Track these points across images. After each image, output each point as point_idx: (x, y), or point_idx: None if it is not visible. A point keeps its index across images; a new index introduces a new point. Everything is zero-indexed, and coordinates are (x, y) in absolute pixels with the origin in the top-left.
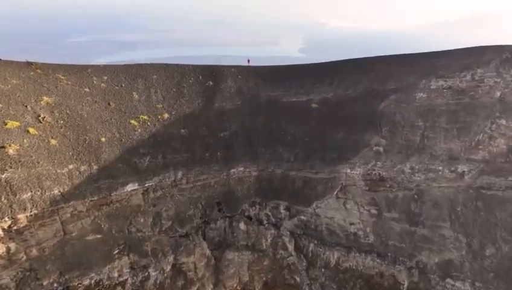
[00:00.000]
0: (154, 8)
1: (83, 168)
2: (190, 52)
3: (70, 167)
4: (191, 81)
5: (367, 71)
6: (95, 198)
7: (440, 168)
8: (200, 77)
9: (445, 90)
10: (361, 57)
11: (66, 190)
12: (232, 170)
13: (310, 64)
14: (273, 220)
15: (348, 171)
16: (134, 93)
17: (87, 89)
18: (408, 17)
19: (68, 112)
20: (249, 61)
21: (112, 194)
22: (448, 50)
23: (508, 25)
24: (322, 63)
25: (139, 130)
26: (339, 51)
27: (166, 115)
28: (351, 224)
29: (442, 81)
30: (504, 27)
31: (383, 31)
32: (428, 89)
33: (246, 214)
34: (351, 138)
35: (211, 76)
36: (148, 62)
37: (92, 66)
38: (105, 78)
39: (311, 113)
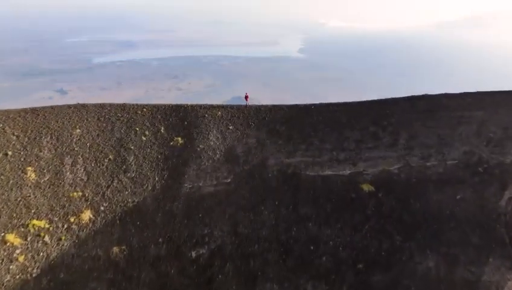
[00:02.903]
0: (154, 8)
1: None
2: (190, 52)
3: None
4: (144, 138)
5: (460, 117)
6: None
7: None
8: (162, 129)
9: None
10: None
11: None
12: None
13: (350, 102)
14: None
15: None
16: (29, 169)
17: None
18: (408, 17)
19: None
20: (247, 97)
21: None
22: None
23: (508, 25)
24: (372, 101)
25: (21, 261)
26: (339, 51)
27: (87, 216)
28: None
29: None
30: (504, 27)
31: (383, 31)
32: None
33: None
34: (454, 271)
35: (181, 126)
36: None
37: None
38: None
39: (361, 205)
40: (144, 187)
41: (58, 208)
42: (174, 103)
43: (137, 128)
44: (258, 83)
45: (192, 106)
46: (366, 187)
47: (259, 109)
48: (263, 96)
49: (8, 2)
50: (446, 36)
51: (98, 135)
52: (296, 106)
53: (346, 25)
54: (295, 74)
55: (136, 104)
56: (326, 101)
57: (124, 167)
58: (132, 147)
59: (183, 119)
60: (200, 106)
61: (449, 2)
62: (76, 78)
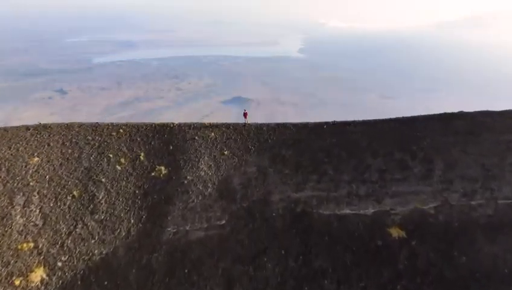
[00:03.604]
0: (154, 8)
1: None
2: (190, 52)
3: None
4: (118, 167)
5: (509, 142)
6: None
7: None
8: (142, 156)
9: None
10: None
11: None
12: None
13: (370, 121)
14: None
15: None
16: None
17: None
18: (408, 17)
19: None
20: (246, 115)
21: None
22: None
23: (508, 25)
24: (396, 119)
25: None
26: (339, 51)
27: (39, 276)
28: None
29: None
30: (504, 27)
31: (383, 31)
32: None
33: None
34: None
35: (165, 151)
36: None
37: None
38: None
39: (390, 256)
40: (116, 233)
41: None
42: (159, 120)
43: (111, 155)
44: (258, 83)
45: (179, 125)
46: (395, 232)
47: (260, 128)
48: (263, 96)
49: (8, 2)
50: (446, 36)
51: (61, 164)
52: (306, 125)
53: (346, 25)
54: (295, 74)
55: (112, 124)
56: (341, 119)
57: (92, 206)
58: (103, 180)
59: (168, 142)
60: (189, 126)
61: (449, 2)
62: (76, 78)
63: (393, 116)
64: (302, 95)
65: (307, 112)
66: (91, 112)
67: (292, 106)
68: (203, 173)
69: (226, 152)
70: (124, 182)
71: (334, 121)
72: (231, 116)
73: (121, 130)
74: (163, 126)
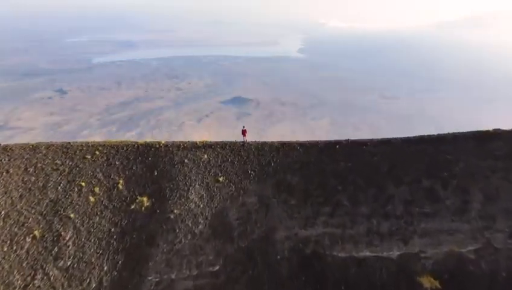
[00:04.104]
0: (154, 8)
1: None
2: (190, 52)
3: None
4: (92, 198)
5: None
6: None
7: None
8: (120, 184)
9: None
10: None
11: None
12: None
13: (391, 140)
14: None
15: None
16: None
17: None
18: (408, 17)
19: None
20: (244, 132)
21: None
22: None
23: (508, 25)
24: (421, 137)
25: None
26: (339, 51)
27: None
28: None
29: None
30: (504, 27)
31: (383, 31)
32: None
33: None
34: None
35: (148, 178)
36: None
37: None
38: None
39: None
40: (84, 285)
41: None
42: (141, 139)
43: (84, 183)
44: (258, 83)
45: (166, 145)
46: (427, 282)
47: (262, 148)
48: (263, 96)
49: (8, 2)
50: (446, 36)
51: (21, 196)
52: (315, 144)
53: (346, 25)
54: (295, 74)
55: (86, 144)
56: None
57: (56, 249)
58: (72, 215)
59: (152, 166)
60: (178, 146)
61: (449, 2)
62: (76, 78)
63: (393, 116)
64: (302, 95)
65: (307, 112)
66: (91, 112)
67: (292, 106)
68: (193, 205)
69: (221, 178)
70: (98, 218)
71: (348, 140)
72: (231, 116)
73: (97, 152)
74: (147, 146)
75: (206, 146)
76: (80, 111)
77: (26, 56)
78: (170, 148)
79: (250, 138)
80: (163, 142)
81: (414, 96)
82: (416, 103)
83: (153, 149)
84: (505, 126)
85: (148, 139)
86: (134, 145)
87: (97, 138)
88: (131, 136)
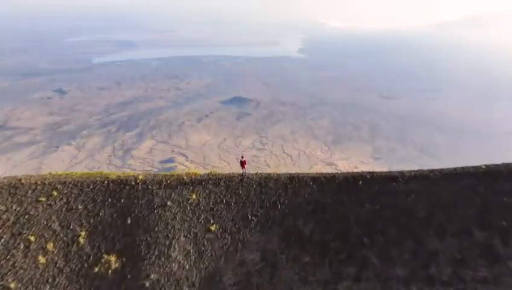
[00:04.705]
0: (154, 8)
1: None
2: (190, 52)
3: None
4: (42, 259)
5: None
6: None
7: None
8: (82, 237)
9: None
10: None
11: None
12: None
13: (428, 173)
14: None
15: None
16: None
17: None
18: (408, 17)
19: None
20: (244, 163)
21: None
22: None
23: (508, 25)
24: (465, 170)
25: None
26: (339, 51)
27: None
28: None
29: None
30: (504, 27)
31: (383, 31)
32: None
33: None
34: None
35: (120, 228)
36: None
37: None
38: None
39: None
40: None
41: None
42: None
43: (32, 238)
44: (257, 83)
45: (144, 182)
46: None
47: (265, 184)
48: (263, 96)
49: (8, 2)
50: (446, 36)
51: None
52: (331, 178)
53: (346, 25)
54: (295, 74)
55: (42, 182)
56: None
57: None
58: (12, 286)
59: (124, 212)
60: (159, 182)
61: (449, 2)
62: (75, 78)
63: (394, 116)
64: (302, 95)
65: (307, 112)
66: (91, 112)
67: (292, 106)
68: (176, 267)
69: (213, 227)
70: (48, 288)
71: (373, 173)
72: (231, 116)
73: (55, 193)
74: (120, 184)
75: (195, 182)
76: (79, 111)
77: (26, 56)
78: (149, 186)
79: (250, 137)
80: (140, 177)
81: (414, 96)
82: (416, 103)
83: (127, 187)
84: (505, 127)
85: (148, 139)
86: (103, 182)
87: (97, 138)
88: (131, 136)
